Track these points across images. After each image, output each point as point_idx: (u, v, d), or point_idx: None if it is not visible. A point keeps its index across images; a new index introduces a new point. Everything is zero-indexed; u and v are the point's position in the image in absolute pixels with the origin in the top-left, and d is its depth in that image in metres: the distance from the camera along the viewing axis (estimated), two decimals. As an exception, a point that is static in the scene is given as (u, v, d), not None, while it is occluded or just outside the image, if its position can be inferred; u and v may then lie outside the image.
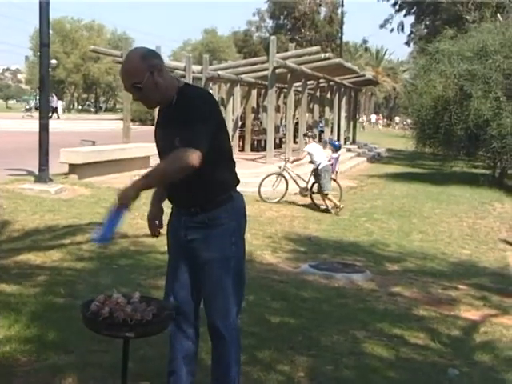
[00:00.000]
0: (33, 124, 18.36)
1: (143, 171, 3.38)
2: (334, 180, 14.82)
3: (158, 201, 3.68)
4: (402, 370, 4.69)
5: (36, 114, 52.49)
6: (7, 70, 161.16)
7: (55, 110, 50.86)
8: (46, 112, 13.69)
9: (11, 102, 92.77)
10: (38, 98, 59.63)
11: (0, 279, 6.49)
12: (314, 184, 14.58)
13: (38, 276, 6.74)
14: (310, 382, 4.34)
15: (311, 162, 14.51)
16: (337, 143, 17.15)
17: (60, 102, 66.71)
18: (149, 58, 3.30)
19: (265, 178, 14.93)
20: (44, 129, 13.27)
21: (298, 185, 14.95)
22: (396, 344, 5.32)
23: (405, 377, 4.55)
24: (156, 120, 3.61)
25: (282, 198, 14.64)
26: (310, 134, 15.72)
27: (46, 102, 13.92)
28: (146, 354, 4.42)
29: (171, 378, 3.68)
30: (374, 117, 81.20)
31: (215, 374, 3.61)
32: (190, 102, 3.33)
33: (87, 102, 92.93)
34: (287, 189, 14.90)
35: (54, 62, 63.68)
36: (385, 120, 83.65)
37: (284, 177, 15.03)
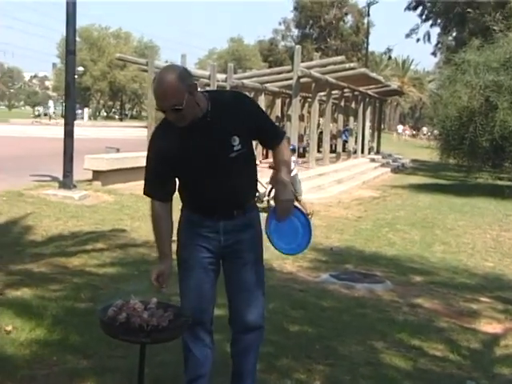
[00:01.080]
0: (57, 130, 18.53)
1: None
2: None
3: (168, 255, 3.63)
4: (419, 380, 4.66)
5: (44, 121, 53.75)
6: (35, 76, 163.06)
7: None
8: (71, 119, 13.82)
9: (38, 109, 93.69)
10: (51, 105, 61.07)
11: (22, 283, 6.57)
12: (271, 189, 13.71)
13: (59, 281, 6.82)
14: (327, 391, 4.35)
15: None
16: (291, 146, 16.55)
17: (86, 110, 67.45)
18: (186, 78, 3.28)
19: None
20: (69, 135, 13.39)
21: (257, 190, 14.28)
22: (414, 355, 5.29)
23: (422, 388, 4.54)
24: (178, 134, 3.41)
25: None
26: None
27: (71, 108, 14.07)
28: (163, 360, 4.45)
29: None
30: (400, 127, 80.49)
31: (243, 371, 3.78)
32: (241, 105, 3.52)
33: (113, 109, 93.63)
34: None
35: (80, 69, 64.44)
36: (412, 130, 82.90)
37: None
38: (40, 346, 4.69)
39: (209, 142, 3.41)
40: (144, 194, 3.63)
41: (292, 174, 13.23)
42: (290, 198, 3.57)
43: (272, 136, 3.68)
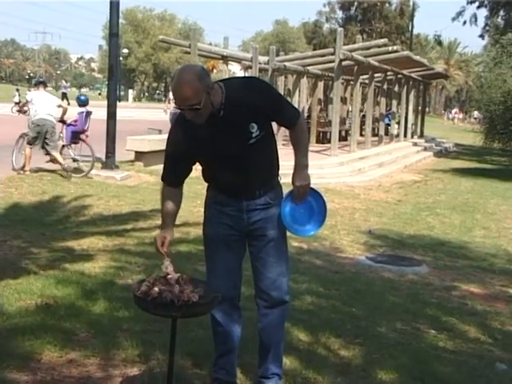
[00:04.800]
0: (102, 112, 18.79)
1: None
2: (83, 141, 13.46)
3: (169, 225, 3.72)
4: (447, 361, 4.70)
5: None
6: (81, 58, 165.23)
7: (64, 95, 50.92)
8: (113, 100, 14.01)
9: (84, 90, 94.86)
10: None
11: (64, 259, 6.77)
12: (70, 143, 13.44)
13: (100, 258, 7.01)
14: (354, 368, 4.41)
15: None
16: (83, 97, 14.79)
17: (130, 91, 68.06)
18: (204, 78, 3.32)
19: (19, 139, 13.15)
20: (111, 117, 13.62)
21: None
22: (445, 336, 5.33)
23: (450, 368, 4.55)
24: (196, 127, 3.47)
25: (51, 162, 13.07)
26: (41, 79, 12.68)
27: (114, 90, 14.26)
28: (197, 336, 4.58)
29: (221, 360, 3.86)
30: (454, 111, 78.80)
31: (270, 344, 3.88)
32: (254, 92, 3.51)
33: (157, 91, 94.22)
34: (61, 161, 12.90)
35: (125, 51, 64.87)
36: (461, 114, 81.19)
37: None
38: (78, 320, 4.86)
39: (225, 134, 3.49)
40: (161, 179, 3.76)
41: (35, 118, 12.54)
42: (306, 183, 3.68)
43: (286, 118, 3.70)
